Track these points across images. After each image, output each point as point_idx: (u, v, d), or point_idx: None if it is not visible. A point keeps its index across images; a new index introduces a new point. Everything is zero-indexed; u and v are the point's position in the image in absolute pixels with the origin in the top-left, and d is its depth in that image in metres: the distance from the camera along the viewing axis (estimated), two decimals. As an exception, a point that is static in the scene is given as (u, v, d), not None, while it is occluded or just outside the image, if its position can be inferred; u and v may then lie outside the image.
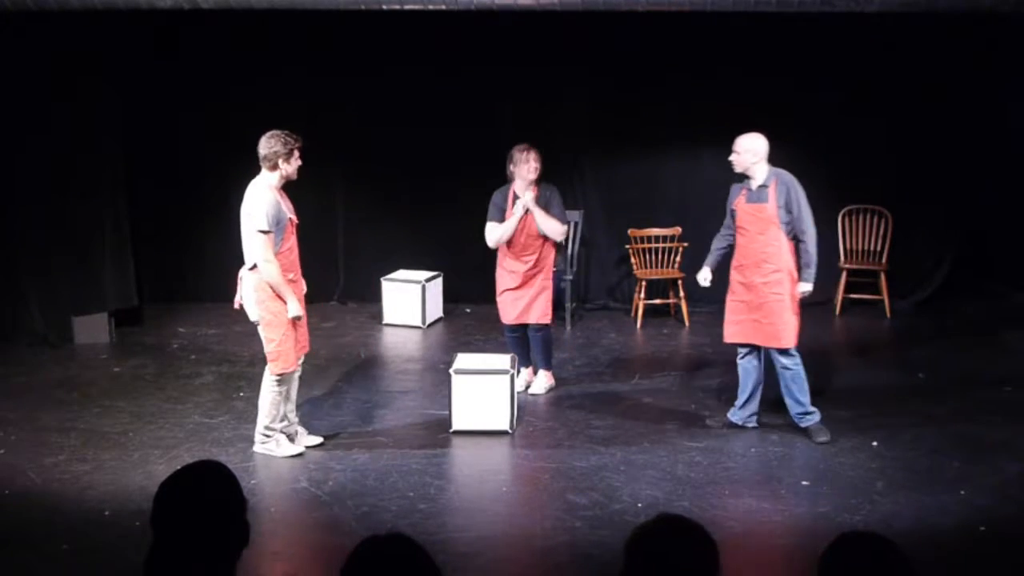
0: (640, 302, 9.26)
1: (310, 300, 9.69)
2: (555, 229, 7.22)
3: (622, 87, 9.44)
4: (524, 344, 7.55)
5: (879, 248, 9.57)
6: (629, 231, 9.36)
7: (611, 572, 2.81)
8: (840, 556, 2.44)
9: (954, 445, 6.55)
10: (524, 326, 7.44)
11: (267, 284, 6.07)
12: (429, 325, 9.30)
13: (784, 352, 6.51)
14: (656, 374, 7.96)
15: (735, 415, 6.81)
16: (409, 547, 2.34)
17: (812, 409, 6.63)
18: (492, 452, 6.59)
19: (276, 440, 6.35)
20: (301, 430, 6.52)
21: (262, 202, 5.98)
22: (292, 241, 6.17)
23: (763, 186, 6.43)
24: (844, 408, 7.20)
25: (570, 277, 8.98)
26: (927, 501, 5.79)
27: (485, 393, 6.76)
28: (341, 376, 7.93)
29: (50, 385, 7.68)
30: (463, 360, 7.02)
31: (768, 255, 6.46)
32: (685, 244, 9.17)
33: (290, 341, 6.19)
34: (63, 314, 8.56)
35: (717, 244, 6.81)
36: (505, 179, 7.30)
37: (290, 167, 6.09)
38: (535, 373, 7.62)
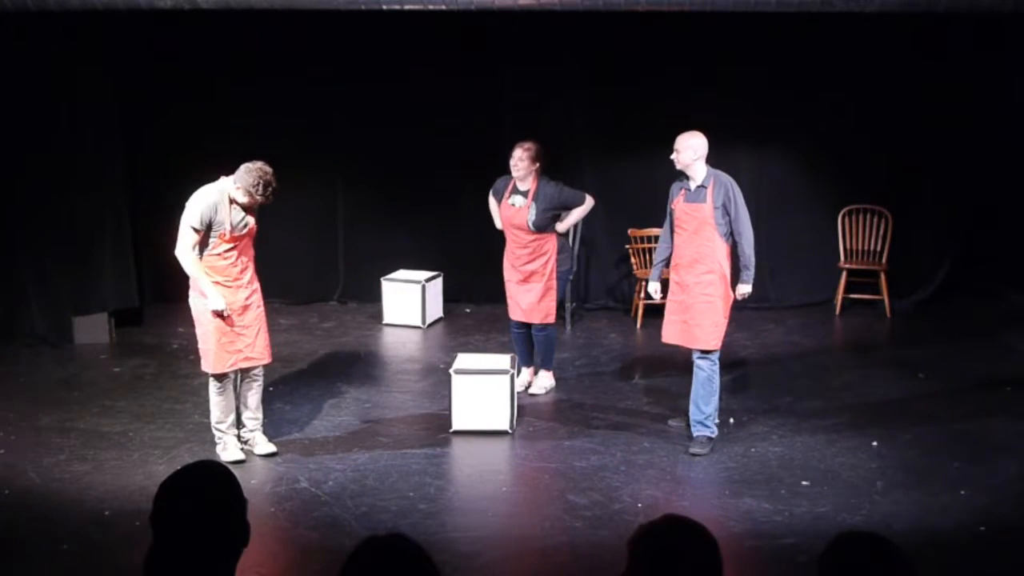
0: (640, 302, 9.26)
1: (310, 300, 9.84)
2: (585, 210, 7.39)
3: (622, 87, 9.44)
4: (527, 341, 7.55)
5: (879, 248, 9.57)
6: (629, 231, 9.36)
7: (611, 572, 2.81)
8: (840, 556, 2.44)
9: (954, 445, 6.55)
10: (529, 323, 7.45)
11: (194, 283, 6.11)
12: (429, 325, 9.30)
13: (703, 354, 6.44)
14: (656, 374, 7.96)
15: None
16: (409, 547, 2.34)
17: (710, 424, 6.49)
18: (492, 452, 6.59)
19: (224, 443, 6.33)
20: (261, 437, 6.47)
21: (201, 201, 6.00)
22: (227, 248, 6.08)
23: (701, 186, 6.38)
24: (844, 408, 7.21)
25: (571, 277, 8.96)
26: (927, 501, 5.80)
27: (485, 393, 6.76)
28: (341, 376, 7.93)
29: (50, 385, 7.68)
30: (463, 360, 7.02)
31: (702, 255, 6.40)
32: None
33: (210, 343, 6.14)
34: (63, 314, 8.56)
35: (660, 255, 6.73)
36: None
37: (238, 197, 6.01)
38: (535, 373, 7.62)
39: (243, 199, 6.03)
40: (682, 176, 6.47)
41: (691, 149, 6.38)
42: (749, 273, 6.45)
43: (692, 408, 6.52)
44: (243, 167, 6.03)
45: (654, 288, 6.81)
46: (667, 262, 6.69)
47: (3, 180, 8.25)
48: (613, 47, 9.23)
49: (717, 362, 6.49)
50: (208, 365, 6.22)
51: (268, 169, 6.03)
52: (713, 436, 6.50)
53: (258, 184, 5.97)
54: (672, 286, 6.61)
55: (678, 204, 6.49)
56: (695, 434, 6.51)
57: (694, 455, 6.39)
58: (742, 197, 6.40)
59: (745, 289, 6.52)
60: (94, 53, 8.38)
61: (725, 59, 9.14)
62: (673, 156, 6.45)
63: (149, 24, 8.54)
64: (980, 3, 6.97)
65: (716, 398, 6.51)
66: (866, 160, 9.53)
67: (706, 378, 6.45)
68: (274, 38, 9.13)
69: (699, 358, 6.46)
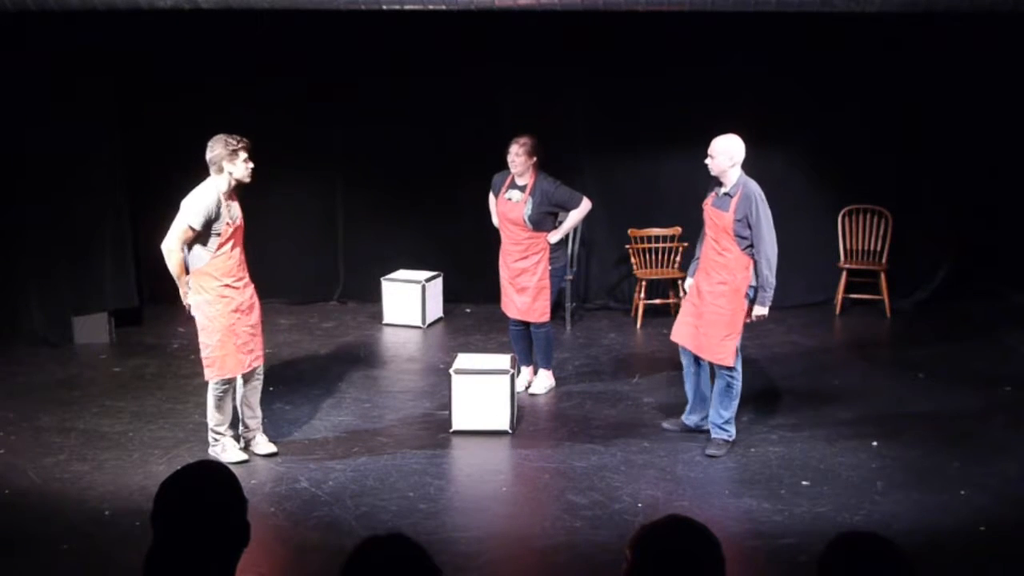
0: (640, 302, 9.27)
1: (310, 300, 9.85)
2: (580, 215, 7.35)
3: (622, 87, 9.44)
4: (526, 339, 7.55)
5: (879, 248, 9.57)
6: (629, 231, 9.36)
7: (611, 572, 2.81)
8: (840, 556, 2.44)
9: (954, 445, 6.55)
10: (526, 321, 7.45)
11: (203, 287, 6.08)
12: (429, 325, 9.30)
13: (723, 367, 6.39)
14: (656, 374, 7.96)
15: (687, 419, 6.75)
16: (409, 547, 2.34)
17: (729, 428, 6.47)
18: (492, 452, 6.59)
19: (223, 445, 6.33)
20: (262, 437, 6.48)
21: (201, 201, 5.98)
22: (231, 245, 6.10)
23: (728, 194, 6.19)
24: (844, 408, 7.22)
25: (570, 277, 8.97)
26: (927, 501, 5.80)
27: (485, 393, 6.77)
28: (341, 376, 7.93)
29: (50, 385, 7.68)
30: (463, 360, 7.02)
31: (718, 264, 6.27)
32: (685, 244, 9.16)
33: (227, 348, 6.14)
34: (63, 314, 8.56)
35: (698, 251, 6.58)
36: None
37: (236, 169, 6.02)
38: (535, 372, 7.62)
39: (242, 168, 6.02)
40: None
41: (726, 155, 6.14)
42: (765, 295, 6.20)
43: (712, 411, 6.51)
44: (208, 157, 6.04)
45: (689, 284, 6.64)
46: None
47: (3, 180, 8.25)
48: (613, 47, 9.23)
49: (739, 370, 6.42)
50: (225, 370, 6.17)
51: (217, 135, 6.06)
52: (731, 440, 6.49)
53: (227, 143, 6.00)
54: (691, 288, 6.56)
55: (707, 205, 6.35)
56: (712, 436, 6.50)
57: (711, 456, 6.39)
58: (768, 212, 6.13)
59: (760, 312, 6.26)
60: (94, 53, 8.37)
61: (725, 59, 9.14)
62: (707, 161, 6.24)
63: (149, 24, 8.54)
64: (980, 3, 6.96)
65: (736, 403, 6.47)
66: (866, 160, 9.53)
67: (726, 385, 6.42)
68: (274, 38, 9.12)
69: (719, 367, 6.41)
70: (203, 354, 6.21)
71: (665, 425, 6.85)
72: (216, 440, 6.34)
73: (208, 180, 6.09)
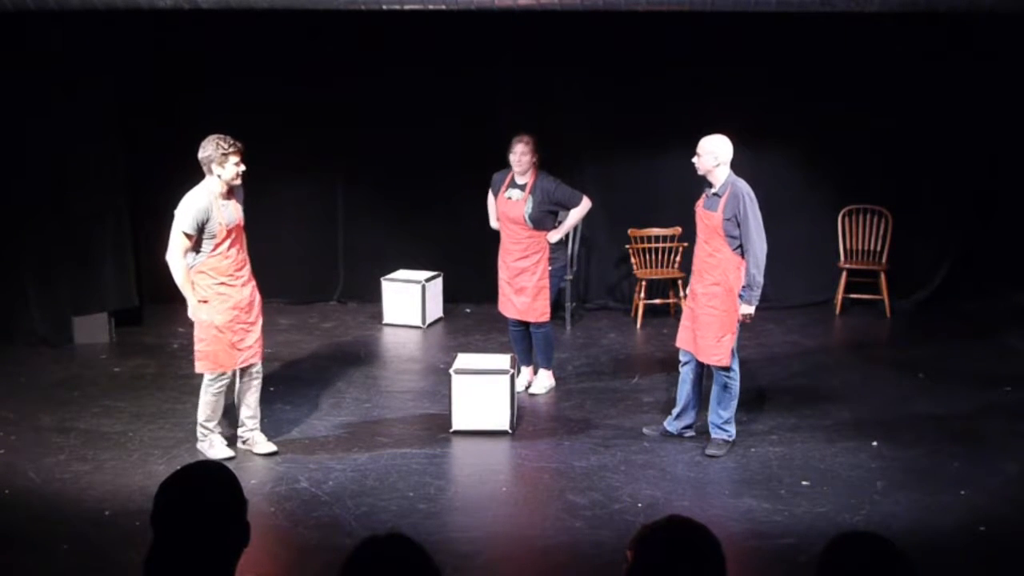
0: (640, 302, 9.27)
1: (310, 300, 9.85)
2: (580, 213, 7.36)
3: (622, 87, 9.44)
4: (525, 340, 7.55)
5: (879, 248, 9.57)
6: (629, 231, 9.36)
7: (611, 572, 2.81)
8: (838, 556, 2.43)
9: (954, 445, 6.56)
10: (525, 322, 7.45)
11: (199, 284, 6.11)
12: (429, 325, 9.30)
13: (720, 367, 6.38)
14: (656, 374, 7.95)
15: (670, 424, 6.72)
16: (409, 547, 2.34)
17: (729, 428, 6.47)
18: (492, 452, 6.59)
19: (210, 440, 6.34)
20: (260, 437, 6.48)
21: (191, 205, 6.01)
22: (227, 245, 6.11)
23: (716, 194, 6.20)
24: (844, 408, 7.22)
25: (570, 277, 8.97)
26: (927, 501, 5.80)
27: (485, 393, 6.77)
28: (341, 376, 7.93)
29: (50, 385, 7.68)
30: (463, 360, 7.02)
31: (710, 265, 6.27)
32: (685, 244, 9.15)
33: (219, 344, 6.16)
34: (63, 314, 8.56)
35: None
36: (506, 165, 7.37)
37: (226, 172, 6.03)
38: (535, 372, 7.62)
39: (231, 171, 6.03)
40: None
41: (711, 154, 6.17)
42: (750, 293, 6.19)
43: (711, 412, 6.50)
44: (200, 157, 6.05)
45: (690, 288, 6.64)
46: None
47: (3, 180, 8.25)
48: (613, 47, 9.22)
49: (736, 370, 6.41)
50: (216, 364, 6.20)
51: (211, 136, 6.07)
52: (731, 440, 6.49)
53: (218, 145, 6.00)
54: (688, 292, 6.56)
55: (698, 207, 6.36)
56: (712, 436, 6.50)
57: (711, 456, 6.38)
58: (757, 211, 6.15)
59: (746, 310, 6.24)
60: (94, 53, 8.37)
61: (725, 59, 9.13)
62: (694, 160, 6.26)
63: (149, 24, 8.54)
64: (980, 3, 6.96)
65: (735, 403, 6.47)
66: (866, 160, 9.53)
67: (723, 386, 6.41)
68: (274, 38, 9.12)
69: (717, 368, 6.41)
70: (196, 347, 6.26)
71: (645, 431, 6.79)
72: (204, 436, 6.35)
73: (201, 183, 6.11)
